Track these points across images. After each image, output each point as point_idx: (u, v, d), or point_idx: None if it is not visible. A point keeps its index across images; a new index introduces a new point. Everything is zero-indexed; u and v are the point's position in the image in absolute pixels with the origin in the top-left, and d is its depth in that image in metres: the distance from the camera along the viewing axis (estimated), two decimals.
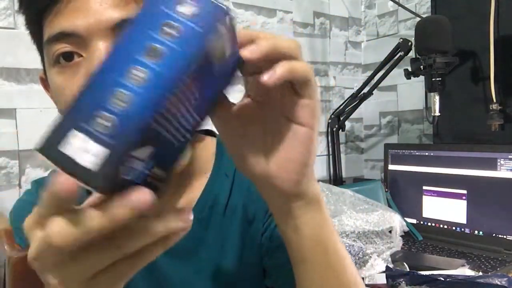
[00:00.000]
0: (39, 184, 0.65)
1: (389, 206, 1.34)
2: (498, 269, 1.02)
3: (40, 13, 0.49)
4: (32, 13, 0.50)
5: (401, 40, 1.33)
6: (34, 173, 1.05)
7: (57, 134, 0.25)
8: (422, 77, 1.27)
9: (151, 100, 0.25)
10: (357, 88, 1.50)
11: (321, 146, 1.63)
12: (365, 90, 1.45)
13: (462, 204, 1.24)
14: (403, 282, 0.85)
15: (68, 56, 0.48)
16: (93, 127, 0.24)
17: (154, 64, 0.25)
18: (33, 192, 0.65)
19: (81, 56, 0.47)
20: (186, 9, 0.26)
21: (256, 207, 0.60)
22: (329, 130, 1.59)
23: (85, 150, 0.24)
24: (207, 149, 0.62)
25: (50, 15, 0.48)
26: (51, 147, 0.25)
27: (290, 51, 0.35)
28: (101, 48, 0.46)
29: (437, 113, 1.20)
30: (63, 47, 0.47)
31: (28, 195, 0.66)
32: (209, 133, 0.65)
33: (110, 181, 0.25)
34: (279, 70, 0.33)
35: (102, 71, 0.25)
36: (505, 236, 1.16)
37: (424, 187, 1.33)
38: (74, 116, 0.25)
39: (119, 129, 0.24)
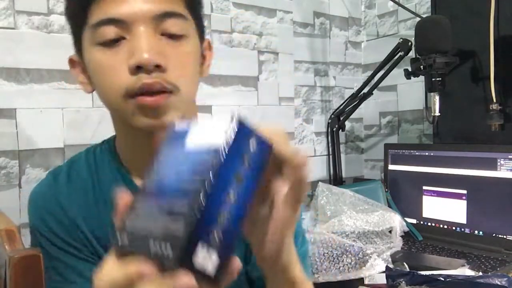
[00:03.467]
0: (55, 175, 0.66)
1: (389, 206, 1.34)
2: (498, 269, 1.02)
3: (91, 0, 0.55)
4: None
5: (401, 40, 1.33)
6: (34, 173, 1.05)
7: (189, 246, 0.32)
8: (422, 77, 1.27)
9: (241, 212, 0.35)
10: (357, 88, 1.50)
11: (321, 146, 1.63)
12: (365, 90, 1.45)
13: (462, 204, 1.24)
14: (403, 282, 0.85)
15: (113, 39, 0.55)
16: (211, 241, 0.33)
17: (239, 187, 0.35)
18: (50, 184, 0.66)
19: (124, 38, 0.55)
20: (252, 151, 0.36)
21: None
22: (329, 130, 1.59)
23: (207, 259, 0.33)
24: None
25: (99, 1, 0.55)
26: (185, 257, 0.32)
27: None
28: (141, 32, 0.54)
29: (437, 113, 1.20)
30: (110, 32, 0.55)
31: (45, 187, 0.66)
32: None
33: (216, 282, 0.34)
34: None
35: (211, 197, 0.33)
36: (505, 236, 1.16)
37: (424, 187, 1.33)
38: (198, 232, 0.32)
39: (224, 241, 0.34)
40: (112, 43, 0.55)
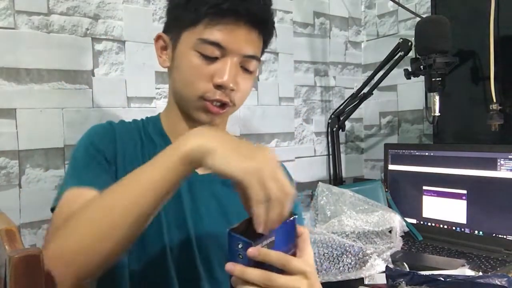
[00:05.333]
0: (112, 122, 0.82)
1: (389, 206, 1.34)
2: (498, 269, 1.02)
3: (208, 16, 0.71)
4: (204, 12, 0.71)
5: (401, 40, 1.33)
6: (34, 173, 1.05)
7: None
8: (422, 77, 1.27)
9: None
10: (357, 88, 1.50)
11: (321, 146, 1.63)
12: (365, 90, 1.45)
13: (462, 204, 1.24)
14: (403, 282, 0.85)
15: (212, 57, 0.73)
16: None
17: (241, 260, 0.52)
18: (109, 125, 0.81)
19: (217, 58, 0.72)
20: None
21: None
22: (329, 130, 1.59)
23: None
24: None
25: (213, 21, 0.71)
26: None
27: None
28: (232, 62, 0.73)
29: (437, 113, 1.20)
30: (214, 52, 0.72)
31: (104, 124, 0.81)
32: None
33: None
34: None
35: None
36: (505, 236, 1.16)
37: (424, 187, 1.33)
38: None
39: None
40: (207, 56, 0.72)
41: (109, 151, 0.75)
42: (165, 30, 0.79)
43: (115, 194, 0.58)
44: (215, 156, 0.53)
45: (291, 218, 0.56)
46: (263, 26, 0.75)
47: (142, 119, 0.86)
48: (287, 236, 0.56)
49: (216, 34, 0.71)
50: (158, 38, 0.80)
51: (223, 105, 0.75)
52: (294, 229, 0.57)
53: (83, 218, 0.57)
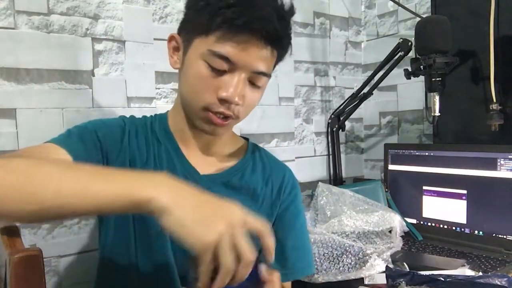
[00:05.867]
0: (123, 116, 0.84)
1: (389, 206, 1.34)
2: (498, 269, 1.02)
3: (223, 27, 0.68)
4: (220, 23, 0.68)
5: (401, 40, 1.33)
6: None
7: None
8: (422, 77, 1.26)
9: None
10: (357, 88, 1.50)
11: (321, 146, 1.63)
12: (365, 90, 1.45)
13: (462, 204, 1.24)
14: (403, 282, 0.85)
15: (221, 70, 0.71)
16: None
17: None
18: (120, 119, 0.82)
19: (225, 71, 0.71)
20: None
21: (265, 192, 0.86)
22: (329, 130, 1.59)
23: None
24: (239, 143, 0.90)
25: (227, 35, 0.69)
26: None
27: None
28: (240, 78, 0.71)
29: (437, 113, 1.20)
30: (223, 65, 0.70)
31: (114, 118, 0.82)
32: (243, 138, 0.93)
33: None
34: None
35: None
36: (505, 236, 1.16)
37: (424, 187, 1.33)
38: None
39: None
40: (216, 68, 0.71)
41: (108, 146, 0.76)
42: (179, 31, 0.78)
43: (63, 174, 0.53)
44: (171, 218, 0.50)
45: (252, 272, 0.54)
46: (278, 43, 0.73)
47: (151, 116, 0.86)
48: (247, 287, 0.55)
49: (227, 48, 0.69)
50: (171, 38, 0.79)
51: (226, 117, 0.74)
52: (256, 281, 0.57)
53: (17, 166, 0.53)
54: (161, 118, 0.85)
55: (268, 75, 0.75)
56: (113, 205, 0.52)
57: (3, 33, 1.00)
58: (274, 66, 0.79)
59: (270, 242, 0.55)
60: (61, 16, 1.07)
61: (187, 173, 0.79)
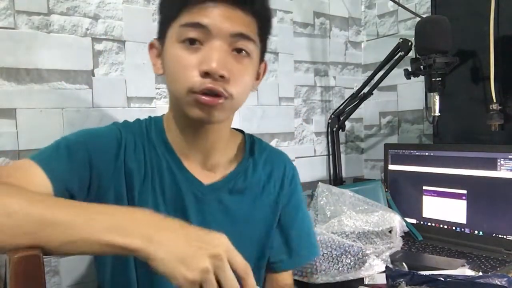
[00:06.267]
0: (117, 124, 0.79)
1: (389, 206, 1.34)
2: (498, 269, 1.02)
3: (186, 4, 0.66)
4: (182, 1, 0.67)
5: (401, 40, 1.33)
6: None
7: None
8: (422, 77, 1.26)
9: None
10: (357, 88, 1.50)
11: (321, 146, 1.63)
12: (365, 90, 1.45)
13: (462, 204, 1.24)
14: (403, 282, 0.85)
15: (193, 41, 0.67)
16: None
17: None
18: (114, 129, 0.76)
19: (201, 44, 0.67)
20: None
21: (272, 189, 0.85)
22: (329, 130, 1.59)
23: None
24: (237, 142, 0.86)
25: (193, 8, 0.66)
26: None
27: None
28: (216, 45, 0.66)
29: (437, 113, 1.20)
30: (194, 33, 0.66)
31: (108, 130, 0.76)
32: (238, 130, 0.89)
33: None
34: None
35: None
36: (505, 236, 1.16)
37: (424, 187, 1.33)
38: None
39: None
40: (191, 43, 0.67)
41: (100, 169, 0.71)
42: (157, 37, 0.75)
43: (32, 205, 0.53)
44: (155, 263, 0.51)
45: None
46: (248, 4, 0.68)
47: (145, 120, 0.81)
48: None
49: (195, 16, 0.66)
50: (151, 46, 0.76)
51: (216, 95, 0.67)
52: None
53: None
54: (157, 124, 0.79)
55: (251, 39, 0.69)
56: (92, 250, 0.53)
57: (3, 33, 1.00)
58: (262, 37, 0.73)
59: (251, 283, 0.54)
60: (61, 16, 1.07)
61: (191, 186, 0.77)
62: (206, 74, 0.66)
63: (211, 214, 0.77)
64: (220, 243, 0.53)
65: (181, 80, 0.68)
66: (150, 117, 0.82)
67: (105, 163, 0.72)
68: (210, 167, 0.80)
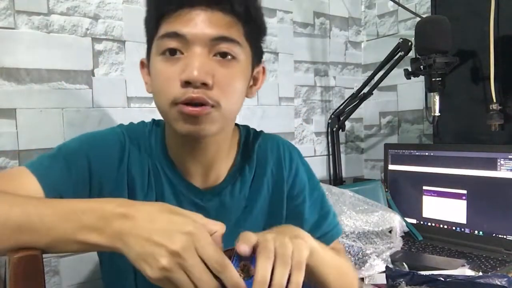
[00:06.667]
0: (122, 127, 0.77)
1: (389, 206, 1.34)
2: (498, 269, 1.02)
3: (162, 15, 0.64)
4: (158, 14, 0.65)
5: (401, 40, 1.33)
6: None
7: None
8: (422, 77, 1.27)
9: None
10: (357, 88, 1.50)
11: (321, 146, 1.63)
12: (365, 90, 1.45)
13: (462, 204, 1.24)
14: (403, 282, 0.85)
15: (173, 51, 0.64)
16: None
17: None
18: (120, 135, 0.74)
19: (182, 54, 0.64)
20: None
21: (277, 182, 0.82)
22: (329, 130, 1.59)
23: None
24: (234, 136, 0.80)
25: (169, 18, 0.64)
26: None
27: None
28: (196, 52, 0.63)
29: (437, 113, 1.20)
30: (172, 43, 0.63)
31: (115, 135, 0.74)
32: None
33: None
34: None
35: None
36: (505, 236, 1.16)
37: (424, 187, 1.33)
38: None
39: None
40: (171, 54, 0.64)
41: (102, 177, 0.70)
42: (146, 55, 0.72)
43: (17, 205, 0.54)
44: (128, 257, 0.51)
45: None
46: (227, 4, 0.64)
47: (149, 125, 0.78)
48: None
49: (172, 25, 0.63)
50: (141, 64, 0.74)
51: (202, 104, 0.63)
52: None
53: None
54: (158, 132, 0.77)
55: (235, 41, 0.65)
56: (72, 249, 0.54)
57: (3, 33, 1.00)
58: (250, 36, 0.68)
59: (229, 276, 0.48)
60: (61, 16, 1.07)
61: (191, 194, 0.75)
62: (187, 84, 0.62)
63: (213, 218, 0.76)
64: (185, 238, 0.48)
65: (163, 93, 0.64)
66: (153, 120, 0.79)
67: (107, 169, 0.70)
68: (211, 175, 0.77)
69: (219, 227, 0.53)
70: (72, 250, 0.55)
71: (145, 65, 0.73)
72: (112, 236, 0.51)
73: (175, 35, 0.63)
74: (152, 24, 0.67)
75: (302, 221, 0.82)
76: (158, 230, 0.49)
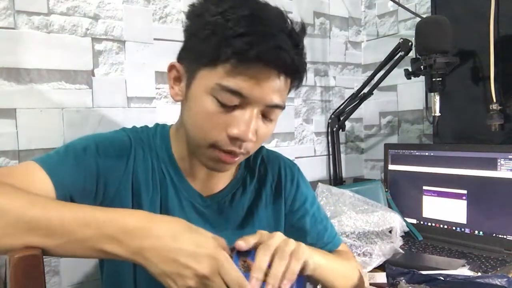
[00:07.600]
0: (126, 130, 0.77)
1: (389, 206, 1.34)
2: (498, 269, 1.02)
3: (235, 55, 0.60)
4: (231, 52, 0.60)
5: (401, 40, 1.33)
6: None
7: None
8: (422, 77, 1.27)
9: None
10: (357, 88, 1.50)
11: (321, 146, 1.63)
12: (365, 90, 1.45)
13: (462, 204, 1.24)
14: (403, 280, 0.85)
15: (229, 104, 0.63)
16: None
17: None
18: (127, 138, 0.75)
19: (237, 105, 0.63)
20: None
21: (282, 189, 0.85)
22: (329, 130, 1.59)
23: None
24: None
25: (241, 65, 0.61)
26: None
27: None
28: (252, 114, 0.64)
29: (437, 113, 1.20)
30: (234, 101, 0.63)
31: (124, 137, 0.75)
32: None
33: None
34: None
35: None
36: (505, 236, 1.16)
37: (424, 187, 1.33)
38: None
39: None
40: (225, 104, 0.63)
41: (108, 178, 0.70)
42: (180, 59, 0.70)
43: (36, 209, 0.54)
44: (149, 271, 0.53)
45: None
46: (295, 73, 0.66)
47: (152, 130, 0.78)
48: None
49: (239, 83, 0.61)
50: (171, 67, 0.71)
51: (236, 154, 0.67)
52: None
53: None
54: (163, 136, 0.77)
55: (282, 107, 0.68)
56: (85, 255, 0.55)
57: (3, 33, 1.00)
58: (288, 93, 0.71)
59: None
60: (61, 16, 1.07)
61: (193, 199, 0.76)
62: (234, 138, 0.64)
63: (214, 227, 0.76)
64: (210, 262, 0.52)
65: (204, 132, 0.65)
66: (157, 125, 0.80)
67: (114, 170, 0.70)
68: (213, 182, 0.79)
69: (224, 242, 0.58)
70: (85, 256, 0.56)
71: (175, 69, 0.70)
72: (132, 250, 0.53)
73: (239, 95, 0.62)
74: (213, 55, 0.62)
75: (304, 233, 0.85)
76: (184, 251, 0.52)
